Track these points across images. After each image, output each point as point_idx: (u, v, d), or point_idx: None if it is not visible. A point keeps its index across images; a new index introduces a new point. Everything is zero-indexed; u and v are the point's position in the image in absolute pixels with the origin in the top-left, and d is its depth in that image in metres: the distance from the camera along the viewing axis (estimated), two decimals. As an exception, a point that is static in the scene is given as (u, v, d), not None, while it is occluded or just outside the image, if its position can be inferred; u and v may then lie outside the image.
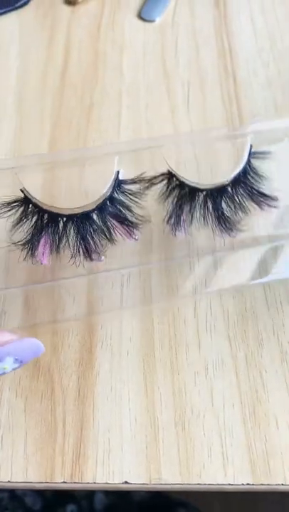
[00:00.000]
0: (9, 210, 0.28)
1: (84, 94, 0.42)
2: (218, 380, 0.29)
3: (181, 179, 0.30)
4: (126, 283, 0.32)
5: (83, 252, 0.29)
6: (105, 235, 0.29)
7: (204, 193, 0.30)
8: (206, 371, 0.29)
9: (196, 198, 0.30)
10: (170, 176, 0.30)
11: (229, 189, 0.30)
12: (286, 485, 0.26)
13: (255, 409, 0.28)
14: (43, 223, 0.28)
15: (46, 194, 0.33)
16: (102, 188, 0.29)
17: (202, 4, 0.48)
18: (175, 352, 0.30)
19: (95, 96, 0.42)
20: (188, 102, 0.41)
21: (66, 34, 0.46)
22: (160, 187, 0.30)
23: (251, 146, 0.30)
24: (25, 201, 0.28)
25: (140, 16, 0.47)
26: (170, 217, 0.30)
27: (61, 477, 0.26)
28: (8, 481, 0.26)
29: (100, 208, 0.29)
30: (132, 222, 0.29)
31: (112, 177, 0.29)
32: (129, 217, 0.29)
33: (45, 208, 0.28)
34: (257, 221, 0.32)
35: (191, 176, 0.31)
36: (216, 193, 0.30)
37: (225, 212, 0.30)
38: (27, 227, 0.28)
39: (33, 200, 0.28)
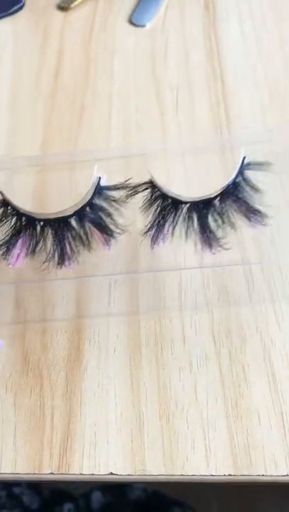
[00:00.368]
0: None
1: (76, 98, 0.43)
2: (202, 375, 0.30)
3: (164, 190, 0.29)
4: (114, 283, 0.33)
5: (57, 257, 0.29)
6: (82, 241, 0.29)
7: (187, 205, 0.29)
8: (190, 366, 0.30)
9: (179, 210, 0.29)
10: (152, 186, 0.29)
11: (216, 202, 0.29)
12: (266, 476, 0.27)
13: (238, 404, 0.29)
14: (21, 226, 0.29)
15: (36, 197, 0.34)
16: (83, 193, 0.29)
17: (192, 9, 0.49)
18: (160, 348, 0.31)
19: (86, 99, 0.43)
20: (177, 105, 0.42)
21: (59, 39, 0.47)
22: (144, 196, 0.29)
23: (244, 157, 0.29)
24: (4, 203, 0.29)
25: (131, 21, 0.48)
26: (150, 229, 0.29)
27: (49, 469, 0.27)
28: (-2, 473, 0.27)
29: (79, 214, 0.29)
30: (110, 230, 0.29)
31: (93, 182, 0.29)
32: (108, 225, 0.29)
33: (21, 211, 0.29)
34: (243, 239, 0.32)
35: (183, 187, 0.30)
36: (201, 206, 0.29)
37: (208, 226, 0.29)
38: (5, 228, 0.29)
39: (11, 203, 0.29)
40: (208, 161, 0.34)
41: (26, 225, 0.29)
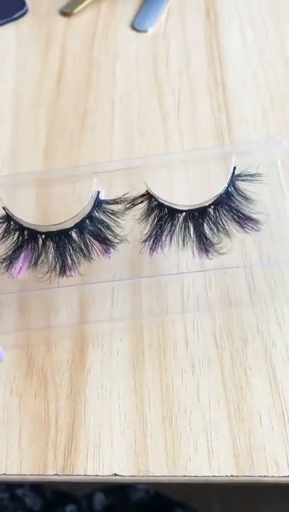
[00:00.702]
0: None
1: (78, 103, 0.44)
2: (204, 378, 0.30)
3: (160, 200, 0.30)
4: (117, 287, 0.33)
5: (59, 268, 0.29)
6: (83, 253, 0.30)
7: (183, 214, 0.30)
8: (192, 369, 0.30)
9: (176, 219, 0.30)
10: (149, 196, 0.30)
11: (210, 211, 0.30)
12: (268, 476, 0.27)
13: (240, 406, 0.29)
14: (23, 240, 0.30)
15: (38, 210, 0.35)
16: (83, 207, 0.30)
17: (193, 15, 0.49)
18: (163, 351, 0.31)
19: (88, 104, 0.44)
20: (179, 111, 0.43)
21: (61, 44, 0.48)
22: (141, 207, 0.30)
23: (235, 167, 0.30)
24: (8, 218, 0.30)
25: (133, 27, 0.48)
26: (148, 238, 0.30)
27: (53, 470, 0.27)
28: (4, 474, 0.27)
29: (79, 226, 0.30)
30: (109, 241, 0.30)
31: (92, 196, 0.30)
32: (108, 236, 0.30)
33: (25, 225, 0.29)
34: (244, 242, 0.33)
35: (184, 196, 0.31)
36: (196, 215, 0.30)
37: (203, 234, 0.30)
38: (9, 242, 0.30)
39: (14, 218, 0.30)
40: (210, 168, 0.34)
41: (28, 238, 0.29)
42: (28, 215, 0.31)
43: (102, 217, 0.30)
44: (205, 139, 0.41)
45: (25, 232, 0.29)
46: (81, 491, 0.57)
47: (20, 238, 0.30)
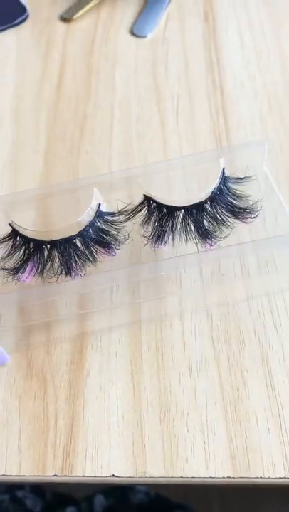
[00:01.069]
0: (1, 244, 0.31)
1: (78, 107, 0.44)
2: (201, 380, 0.30)
3: (158, 201, 0.32)
4: (115, 289, 0.33)
5: (65, 272, 0.31)
6: (87, 257, 0.31)
7: (182, 211, 0.32)
8: (190, 371, 0.31)
9: (175, 217, 0.32)
10: (148, 200, 0.32)
11: (207, 206, 0.32)
12: (264, 478, 0.27)
13: (237, 407, 0.29)
14: (29, 251, 0.31)
15: (39, 225, 0.36)
16: (85, 218, 0.31)
17: (192, 20, 0.50)
18: (161, 353, 0.31)
19: (88, 109, 0.44)
20: (178, 115, 0.43)
21: (61, 50, 0.48)
22: (142, 213, 0.32)
23: (224, 169, 0.32)
24: (14, 233, 0.31)
25: (132, 32, 0.49)
26: (151, 239, 0.32)
27: (52, 471, 0.28)
28: (3, 475, 0.28)
29: (82, 234, 0.31)
30: (112, 244, 0.31)
31: (93, 208, 0.31)
32: (109, 241, 0.31)
33: (31, 236, 0.31)
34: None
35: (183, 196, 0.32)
36: (194, 211, 0.31)
37: (204, 225, 0.32)
38: (16, 256, 0.31)
39: (20, 231, 0.31)
40: (204, 170, 0.35)
41: (34, 250, 0.31)
42: (30, 226, 0.32)
43: (104, 226, 0.32)
44: (203, 142, 0.41)
45: (31, 244, 0.31)
46: (81, 492, 0.57)
47: (26, 252, 0.31)
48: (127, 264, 0.33)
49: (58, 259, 0.31)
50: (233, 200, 0.32)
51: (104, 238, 0.31)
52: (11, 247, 0.31)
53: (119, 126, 0.43)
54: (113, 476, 0.28)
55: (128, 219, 0.32)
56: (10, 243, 0.31)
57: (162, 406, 0.30)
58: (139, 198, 0.32)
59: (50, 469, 0.28)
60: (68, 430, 0.29)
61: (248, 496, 0.55)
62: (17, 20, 0.50)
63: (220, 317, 0.32)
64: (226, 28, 0.49)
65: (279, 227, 0.35)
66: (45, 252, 0.31)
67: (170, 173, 0.37)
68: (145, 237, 0.32)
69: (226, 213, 0.32)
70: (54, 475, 0.28)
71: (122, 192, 0.34)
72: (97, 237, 0.31)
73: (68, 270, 0.30)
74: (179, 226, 0.32)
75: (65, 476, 0.28)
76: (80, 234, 0.31)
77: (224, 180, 0.32)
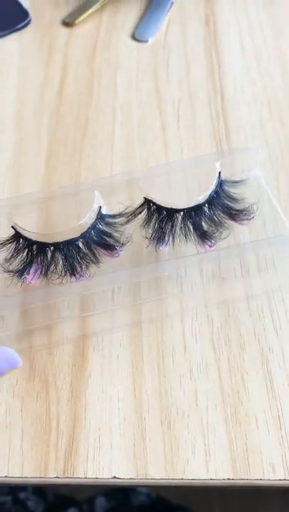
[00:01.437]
0: (4, 246, 0.32)
1: (80, 112, 0.45)
2: (202, 382, 0.31)
3: (158, 203, 0.32)
4: (117, 290, 0.34)
5: (69, 274, 0.31)
6: (90, 259, 0.32)
7: (181, 213, 0.32)
8: (190, 373, 0.31)
9: (175, 219, 0.32)
10: (148, 202, 0.32)
11: (205, 208, 0.32)
12: (264, 480, 0.28)
13: (237, 410, 0.30)
14: (33, 253, 0.31)
15: (41, 227, 0.36)
16: (87, 221, 0.32)
17: (193, 25, 0.50)
18: (162, 355, 0.32)
19: (90, 113, 0.44)
20: (179, 119, 0.43)
21: (63, 54, 0.49)
22: (142, 214, 0.33)
23: (220, 172, 0.33)
24: (17, 236, 0.31)
25: (134, 37, 0.49)
26: (153, 237, 0.33)
27: (54, 472, 0.28)
28: (5, 476, 0.28)
29: (84, 236, 0.31)
30: (114, 246, 0.32)
31: (94, 211, 0.32)
32: (112, 243, 0.32)
33: (34, 239, 0.31)
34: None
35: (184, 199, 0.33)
36: (193, 213, 0.32)
37: (203, 227, 0.32)
38: (20, 258, 0.31)
39: (23, 234, 0.31)
40: (207, 172, 0.35)
41: (38, 252, 0.31)
42: (32, 228, 0.32)
43: (105, 228, 0.32)
44: (204, 146, 0.42)
45: (34, 247, 0.31)
46: (82, 494, 0.57)
47: (29, 254, 0.31)
48: (129, 266, 0.34)
49: (61, 261, 0.31)
50: (229, 203, 0.33)
51: (107, 240, 0.32)
52: (14, 250, 0.31)
53: (121, 130, 0.43)
54: (114, 477, 0.28)
55: (128, 221, 0.32)
56: (13, 245, 0.32)
57: (163, 408, 0.30)
58: (140, 201, 0.33)
59: (52, 471, 0.28)
60: (70, 432, 0.29)
61: (249, 498, 0.55)
62: (19, 25, 0.50)
63: (220, 319, 0.33)
64: (226, 32, 0.49)
65: (271, 229, 0.35)
66: (49, 254, 0.31)
67: (171, 176, 0.37)
68: (147, 238, 0.33)
69: (223, 215, 0.33)
70: (56, 476, 0.28)
71: (124, 195, 0.35)
72: (99, 239, 0.32)
73: (72, 272, 0.31)
74: (178, 228, 0.33)
75: (67, 477, 0.28)
76: (83, 236, 0.31)
77: (220, 183, 0.33)
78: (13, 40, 0.50)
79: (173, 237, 0.33)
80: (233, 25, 0.50)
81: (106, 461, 0.28)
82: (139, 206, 0.33)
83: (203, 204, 0.32)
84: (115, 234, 0.32)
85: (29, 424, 0.30)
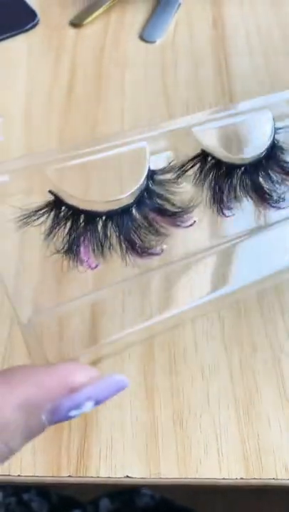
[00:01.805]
0: (39, 218, 0.25)
1: (88, 112, 0.45)
2: (213, 382, 0.31)
3: (218, 156, 0.27)
4: (127, 291, 0.34)
5: (133, 250, 0.25)
6: (148, 230, 0.26)
7: (242, 169, 0.28)
8: (202, 373, 0.31)
9: (234, 175, 0.28)
10: (204, 156, 0.27)
11: (263, 162, 0.28)
12: (277, 479, 0.28)
13: (249, 410, 0.30)
14: (78, 227, 0.25)
15: (77, 190, 0.28)
16: (135, 180, 0.26)
17: (200, 26, 0.50)
18: (174, 355, 0.32)
19: (98, 113, 0.45)
20: (187, 120, 0.43)
21: (72, 55, 0.49)
22: (195, 171, 0.28)
23: (274, 120, 0.29)
24: (57, 203, 0.25)
25: (142, 38, 0.49)
26: (214, 198, 0.28)
27: (67, 472, 0.28)
28: (18, 475, 0.28)
29: (138, 201, 0.25)
30: (175, 213, 0.26)
31: (145, 168, 0.26)
32: (170, 208, 0.26)
33: (81, 207, 0.24)
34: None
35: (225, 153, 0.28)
36: (253, 168, 0.28)
37: (266, 185, 0.28)
38: (62, 233, 0.25)
39: (66, 201, 0.25)
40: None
41: (86, 224, 0.25)
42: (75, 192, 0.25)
43: (158, 189, 0.27)
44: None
45: (81, 218, 0.24)
46: (86, 495, 0.57)
47: (74, 226, 0.25)
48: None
49: (115, 236, 0.25)
50: (284, 157, 0.29)
51: (161, 205, 0.26)
52: (53, 222, 0.25)
53: (130, 131, 0.43)
54: (127, 477, 0.28)
55: (179, 176, 0.27)
56: (51, 216, 0.25)
57: (175, 408, 0.30)
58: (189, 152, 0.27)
59: (64, 470, 0.28)
60: (82, 431, 0.29)
61: (253, 501, 0.55)
62: (27, 26, 0.50)
63: (232, 321, 0.33)
64: (234, 33, 0.50)
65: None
66: (99, 226, 0.24)
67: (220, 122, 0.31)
68: (213, 204, 0.27)
69: (281, 171, 0.29)
70: (69, 476, 0.28)
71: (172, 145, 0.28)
72: (153, 203, 0.26)
73: (136, 248, 0.25)
74: (238, 186, 0.28)
75: (80, 476, 0.28)
76: (136, 200, 0.25)
77: (274, 134, 0.29)
78: (21, 41, 0.50)
79: (235, 196, 0.27)
80: (240, 26, 0.50)
81: (118, 461, 0.28)
82: (194, 157, 0.27)
83: (264, 157, 0.28)
84: (170, 196, 0.26)
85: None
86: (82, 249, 0.25)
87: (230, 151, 0.28)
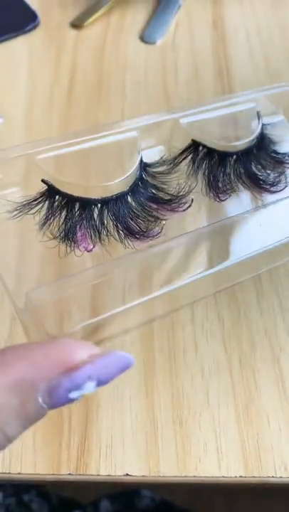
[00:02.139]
0: (34, 207, 0.25)
1: (89, 113, 0.45)
2: (213, 381, 0.31)
3: (209, 145, 0.28)
4: (128, 289, 0.34)
5: (131, 235, 0.26)
6: (144, 217, 0.26)
7: (234, 157, 0.28)
8: (202, 373, 0.31)
9: (227, 163, 0.28)
10: (195, 146, 0.28)
11: (254, 151, 0.29)
12: (276, 477, 0.28)
13: (248, 408, 0.30)
14: (73, 215, 0.24)
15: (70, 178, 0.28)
16: (128, 167, 0.26)
17: (201, 27, 0.50)
18: (173, 355, 0.32)
19: (99, 114, 0.45)
20: (187, 120, 0.44)
21: (72, 56, 0.49)
22: (187, 162, 0.28)
23: (259, 111, 0.30)
24: (51, 192, 0.25)
25: (142, 39, 0.50)
26: (209, 186, 0.28)
27: (67, 470, 0.28)
28: (19, 473, 0.28)
29: (133, 190, 0.26)
30: (170, 200, 0.27)
31: (136, 157, 0.27)
32: (165, 197, 0.26)
33: (75, 196, 0.25)
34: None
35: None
36: (245, 156, 0.28)
37: (259, 172, 0.29)
38: (58, 221, 0.25)
39: (59, 191, 0.25)
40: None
41: (81, 212, 0.25)
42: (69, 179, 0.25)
43: (150, 180, 0.27)
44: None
45: (76, 205, 0.24)
46: (86, 497, 0.57)
47: (70, 214, 0.25)
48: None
49: (112, 223, 0.25)
50: (274, 147, 0.30)
51: (155, 194, 0.26)
52: (48, 211, 0.25)
53: (130, 131, 0.43)
54: (127, 475, 0.28)
55: (173, 168, 0.28)
56: (45, 205, 0.25)
57: (175, 407, 0.30)
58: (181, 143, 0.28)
59: (64, 468, 0.28)
60: (82, 430, 0.29)
61: (255, 503, 0.55)
62: (28, 27, 0.51)
63: (231, 319, 0.33)
64: (234, 34, 0.50)
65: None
66: (95, 213, 0.25)
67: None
68: (210, 191, 0.27)
69: (269, 159, 0.29)
70: (69, 473, 0.28)
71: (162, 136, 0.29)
72: (147, 192, 0.26)
73: (132, 233, 0.25)
74: (232, 173, 0.28)
75: (80, 474, 0.28)
76: (131, 188, 0.25)
77: (262, 126, 0.29)
78: (21, 42, 0.50)
79: (231, 185, 0.28)
80: (240, 26, 0.50)
81: (118, 459, 0.28)
82: (185, 149, 0.28)
83: (254, 146, 0.28)
84: (163, 186, 0.27)
85: (41, 422, 0.29)
86: (79, 234, 0.25)
87: (220, 141, 0.29)
